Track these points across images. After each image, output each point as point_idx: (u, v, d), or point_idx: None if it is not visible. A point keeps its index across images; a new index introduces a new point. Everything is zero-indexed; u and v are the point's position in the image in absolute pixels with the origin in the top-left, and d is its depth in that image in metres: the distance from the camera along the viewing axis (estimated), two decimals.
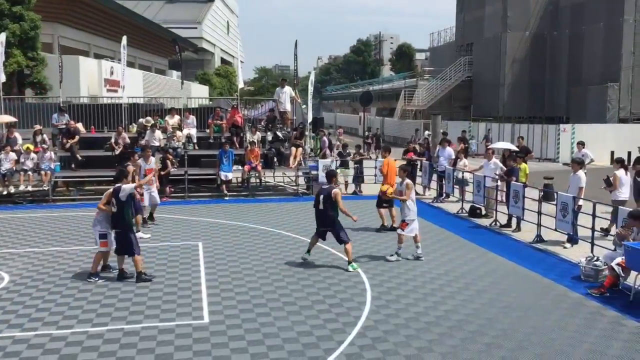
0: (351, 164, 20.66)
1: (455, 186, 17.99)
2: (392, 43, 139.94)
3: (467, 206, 16.78)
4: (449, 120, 44.23)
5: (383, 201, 14.26)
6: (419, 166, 20.79)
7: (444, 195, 18.87)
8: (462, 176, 17.65)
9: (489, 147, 19.84)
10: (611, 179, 13.15)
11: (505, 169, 15.55)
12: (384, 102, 65.56)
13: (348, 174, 20.73)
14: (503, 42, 45.17)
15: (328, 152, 21.78)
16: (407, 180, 11.68)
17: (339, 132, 30.68)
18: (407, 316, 8.22)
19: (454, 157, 18.86)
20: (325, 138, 22.89)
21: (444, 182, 18.85)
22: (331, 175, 11.27)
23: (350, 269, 10.49)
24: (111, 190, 9.95)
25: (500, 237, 13.74)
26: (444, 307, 8.59)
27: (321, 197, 10.67)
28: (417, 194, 19.90)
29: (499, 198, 15.61)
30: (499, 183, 15.61)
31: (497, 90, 45.89)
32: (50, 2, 32.84)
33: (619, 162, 13.50)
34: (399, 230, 11.46)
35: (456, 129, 37.18)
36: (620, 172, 13.11)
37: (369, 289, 9.44)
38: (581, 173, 12.69)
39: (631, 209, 10.34)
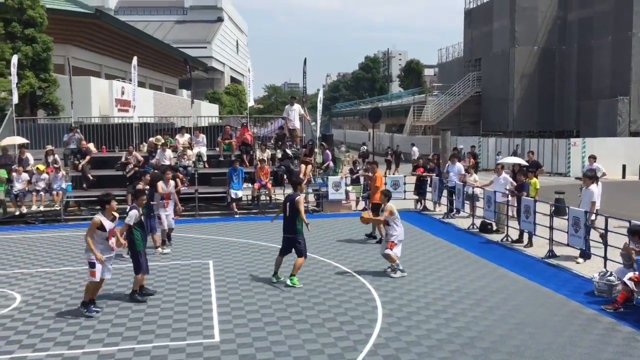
0: (361, 179, 20.65)
1: (465, 202, 17.93)
2: (400, 59, 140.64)
3: (478, 222, 16.70)
4: (459, 135, 44.21)
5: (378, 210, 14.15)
6: (428, 182, 20.75)
7: (455, 211, 18.80)
8: (473, 191, 17.59)
9: (498, 162, 19.78)
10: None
11: (515, 184, 15.49)
12: (393, 118, 65.70)
13: (359, 191, 20.74)
14: (511, 57, 45.24)
15: (332, 164, 21.68)
16: (388, 204, 11.67)
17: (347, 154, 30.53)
18: (419, 333, 8.16)
19: (463, 172, 18.82)
20: (328, 152, 22.81)
21: (454, 197, 18.79)
22: (296, 183, 11.39)
23: (289, 282, 10.56)
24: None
25: (512, 253, 13.64)
26: (455, 324, 8.52)
27: (287, 204, 10.76)
28: (427, 209, 20.10)
29: (510, 213, 15.53)
30: (510, 198, 15.55)
31: (506, 105, 45.87)
32: (62, 24, 33.32)
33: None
34: (387, 251, 11.39)
35: (466, 144, 37.12)
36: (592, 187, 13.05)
37: (380, 306, 9.39)
38: (594, 187, 12.61)
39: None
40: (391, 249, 11.30)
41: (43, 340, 7.99)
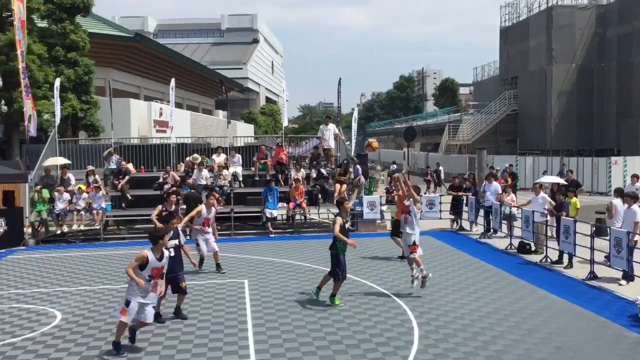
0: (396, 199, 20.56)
1: (503, 221, 17.65)
2: (435, 78, 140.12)
3: (515, 242, 16.40)
4: (495, 154, 43.67)
5: (397, 229, 14.17)
6: (464, 201, 20.53)
7: (492, 231, 18.52)
8: (510, 211, 17.31)
9: (536, 181, 19.46)
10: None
11: (554, 203, 15.19)
12: (428, 137, 65.39)
13: (393, 211, 20.61)
14: (549, 74, 44.66)
15: (363, 179, 21.34)
16: (414, 194, 11.58)
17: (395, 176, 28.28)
18: (457, 356, 8.02)
19: (500, 191, 18.55)
20: (358, 166, 22.43)
21: (491, 217, 18.52)
22: (339, 203, 11.30)
23: (329, 301, 10.58)
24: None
25: (552, 274, 13.33)
26: (494, 347, 8.35)
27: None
28: (463, 229, 19.85)
29: (549, 233, 15.22)
30: (549, 218, 15.25)
31: (543, 123, 45.19)
32: (103, 47, 34.35)
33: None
34: (411, 255, 11.24)
35: (502, 163, 36.61)
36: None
37: (416, 327, 9.27)
38: (636, 207, 12.28)
39: None
40: (415, 252, 11.19)
41: (82, 358, 8.12)
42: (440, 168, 37.94)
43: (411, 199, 11.53)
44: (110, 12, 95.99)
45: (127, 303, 8.15)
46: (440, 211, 20.30)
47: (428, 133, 65.50)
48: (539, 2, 46.87)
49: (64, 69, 27.60)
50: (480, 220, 19.37)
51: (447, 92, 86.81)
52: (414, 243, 11.25)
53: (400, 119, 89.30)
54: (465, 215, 20.24)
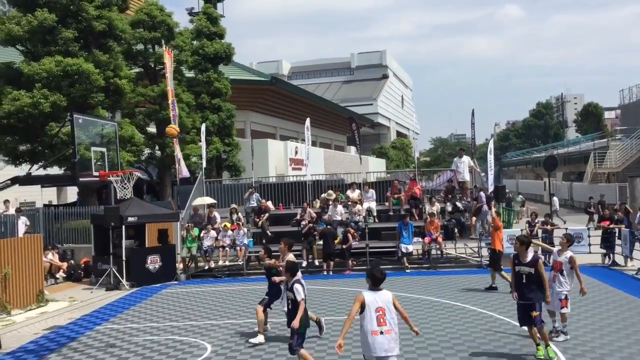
0: (539, 232, 19.56)
1: None
2: (576, 103, 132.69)
3: None
4: None
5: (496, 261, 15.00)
6: (617, 234, 19.00)
7: None
8: None
9: None
10: None
11: None
12: (570, 166, 61.68)
13: (537, 244, 19.59)
14: None
15: (486, 207, 20.06)
16: (569, 253, 10.71)
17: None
18: None
19: None
20: (482, 193, 21.33)
21: None
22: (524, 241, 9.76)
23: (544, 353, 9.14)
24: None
25: None
26: None
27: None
28: (616, 265, 18.32)
29: None
30: None
31: None
32: (242, 92, 36.58)
33: None
34: (563, 310, 10.30)
35: None
36: None
37: None
38: None
39: None
40: (566, 307, 10.36)
41: None
42: (555, 199, 35.51)
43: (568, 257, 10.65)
44: (248, 59, 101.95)
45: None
46: (590, 245, 18.95)
47: (570, 162, 61.77)
48: None
49: (208, 115, 29.70)
50: (636, 254, 17.80)
51: (591, 117, 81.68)
52: (566, 297, 10.42)
53: (539, 148, 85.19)
54: (618, 250, 18.72)
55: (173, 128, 9.92)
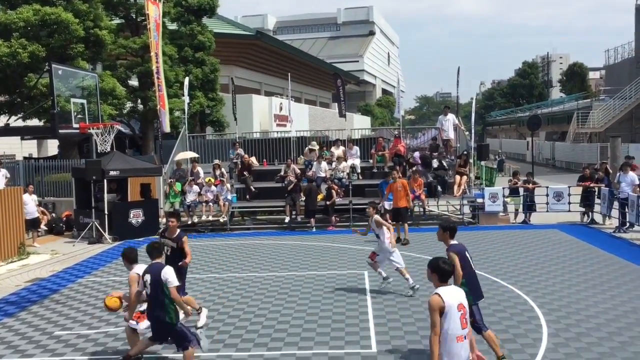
0: (521, 191, 19.76)
1: None
2: (561, 63, 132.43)
3: None
4: (630, 142, 40.52)
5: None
6: (596, 193, 19.26)
7: (628, 224, 17.21)
8: None
9: None
10: None
11: None
12: (553, 125, 62.02)
13: (518, 202, 19.86)
14: None
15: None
16: (376, 217, 11.30)
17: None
18: (590, 356, 7.56)
19: (638, 182, 17.20)
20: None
21: (626, 210, 17.22)
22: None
23: None
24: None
25: None
26: (632, 349, 7.78)
27: None
28: (595, 223, 18.63)
29: None
30: None
31: None
32: (227, 46, 35.92)
33: None
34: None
35: (639, 152, 33.90)
36: None
37: (545, 324, 8.85)
38: None
39: None
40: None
41: (213, 342, 8.55)
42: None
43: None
44: (232, 12, 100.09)
45: None
46: (570, 203, 19.20)
47: (554, 121, 62.08)
48: None
49: (192, 69, 29.19)
50: (615, 213, 18.09)
51: (575, 77, 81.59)
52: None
53: (523, 108, 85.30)
54: (597, 208, 19.00)
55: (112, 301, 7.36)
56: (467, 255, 7.30)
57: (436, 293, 5.35)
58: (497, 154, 48.53)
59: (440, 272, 5.55)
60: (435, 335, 5.20)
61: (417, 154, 21.28)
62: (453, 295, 5.36)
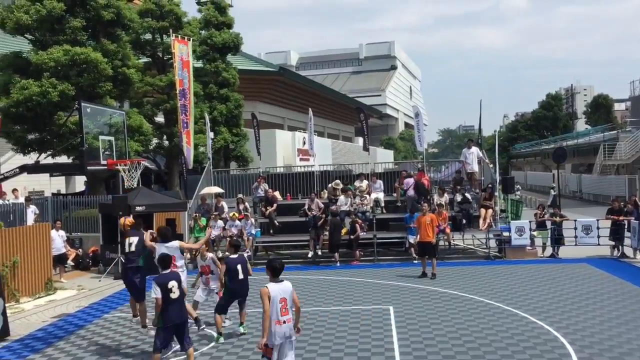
0: (548, 224, 19.47)
1: None
2: (585, 95, 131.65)
3: None
4: None
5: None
6: (626, 226, 18.87)
7: None
8: None
9: None
10: None
11: None
12: (579, 157, 61.28)
13: (545, 236, 19.54)
14: None
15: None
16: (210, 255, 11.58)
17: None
18: None
19: None
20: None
21: None
22: None
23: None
24: None
25: None
26: None
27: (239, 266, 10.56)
28: (625, 257, 18.20)
29: None
30: None
31: None
32: (250, 82, 36.53)
33: None
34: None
35: None
36: None
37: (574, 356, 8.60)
38: None
39: None
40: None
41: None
42: (552, 191, 33.26)
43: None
44: (256, 49, 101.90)
45: None
46: (599, 237, 18.83)
47: (580, 153, 61.36)
48: None
49: (216, 105, 29.67)
50: None
51: (600, 109, 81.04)
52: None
53: (547, 140, 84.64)
54: (627, 242, 18.60)
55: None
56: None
57: (266, 286, 7.13)
58: (552, 188, 43.47)
59: (272, 270, 7.38)
60: (266, 317, 7.01)
61: (410, 181, 20.77)
62: (279, 290, 7.18)
